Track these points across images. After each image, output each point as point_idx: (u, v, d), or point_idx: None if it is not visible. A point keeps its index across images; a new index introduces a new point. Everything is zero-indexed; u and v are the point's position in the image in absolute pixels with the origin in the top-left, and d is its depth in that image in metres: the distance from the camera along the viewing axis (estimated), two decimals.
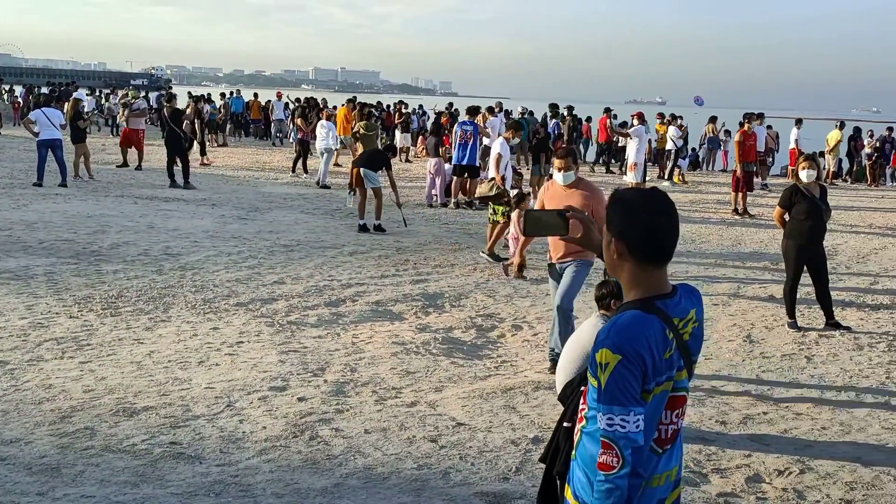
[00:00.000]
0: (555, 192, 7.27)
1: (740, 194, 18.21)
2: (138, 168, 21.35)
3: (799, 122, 27.29)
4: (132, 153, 21.87)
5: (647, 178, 20.55)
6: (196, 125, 24.05)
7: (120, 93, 36.48)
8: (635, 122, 21.58)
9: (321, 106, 30.80)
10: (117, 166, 21.64)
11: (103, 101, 38.44)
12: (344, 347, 7.91)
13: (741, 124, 19.90)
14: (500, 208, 12.31)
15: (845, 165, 28.80)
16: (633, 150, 19.88)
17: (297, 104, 29.83)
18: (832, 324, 9.33)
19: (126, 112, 22.67)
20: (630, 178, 19.70)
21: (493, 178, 12.34)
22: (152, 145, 24.76)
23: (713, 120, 29.49)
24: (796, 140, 26.19)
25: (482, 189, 12.53)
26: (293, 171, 21.97)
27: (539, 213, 3.14)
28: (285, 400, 6.49)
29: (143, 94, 44.57)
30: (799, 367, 8.00)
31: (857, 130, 28.39)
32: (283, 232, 13.72)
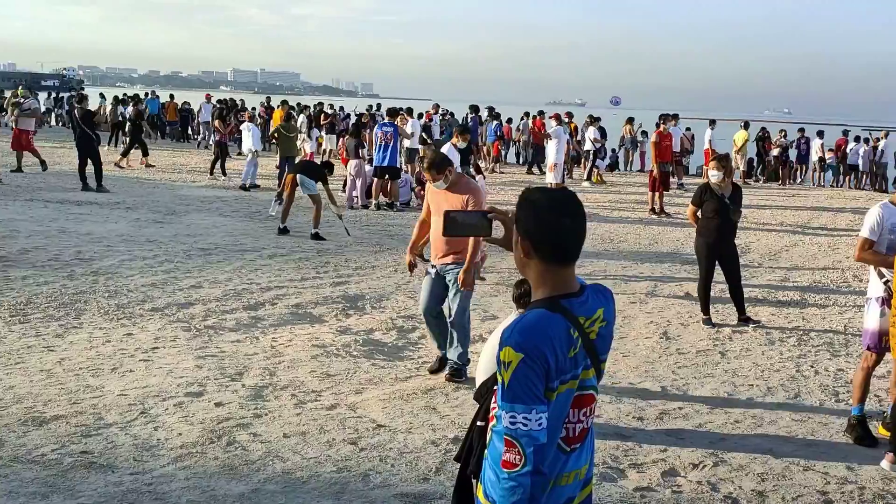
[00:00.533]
0: (434, 192, 7.20)
1: (657, 194, 18.52)
2: (44, 169, 20.40)
3: (713, 123, 27.87)
4: (28, 157, 20.87)
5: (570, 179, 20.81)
6: (143, 125, 23.62)
7: (9, 92, 35.09)
8: (554, 123, 21.83)
9: (240, 107, 30.48)
10: (11, 171, 20.03)
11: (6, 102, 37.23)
12: (263, 351, 7.81)
13: (657, 125, 20.26)
14: None
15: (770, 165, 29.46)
16: (553, 150, 20.11)
17: (215, 106, 29.48)
18: (744, 319, 9.56)
19: (16, 112, 21.17)
20: (550, 179, 19.93)
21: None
22: (63, 147, 24.11)
23: (630, 121, 29.97)
24: (710, 141, 26.75)
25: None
26: (211, 173, 21.63)
27: (458, 214, 3.08)
28: (202, 405, 6.38)
29: (54, 94, 43.41)
30: (713, 363, 8.17)
31: (765, 130, 29.11)
32: (200, 235, 13.50)
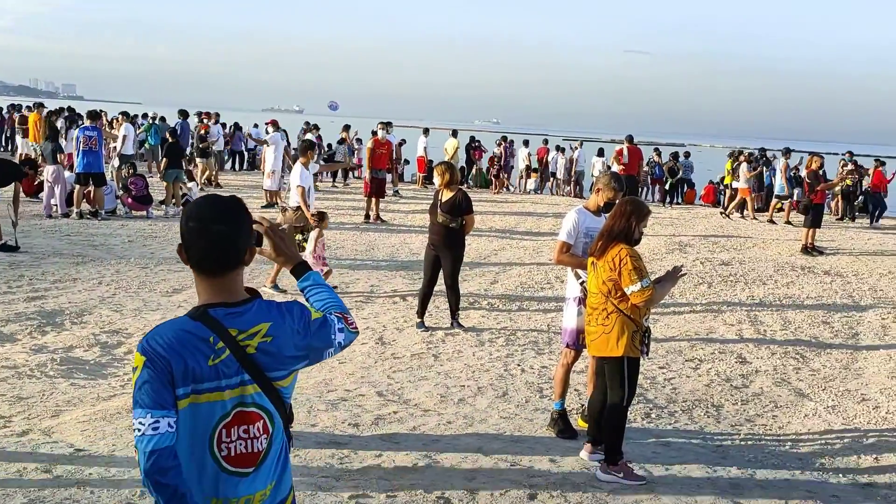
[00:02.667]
0: None
1: (373, 200, 18.75)
2: None
3: (426, 131, 28.76)
4: None
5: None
6: None
7: None
8: (270, 129, 21.56)
9: None
10: None
11: None
12: None
13: (374, 133, 20.54)
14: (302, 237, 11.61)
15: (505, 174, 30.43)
16: (271, 157, 19.87)
17: None
18: (457, 322, 9.84)
19: None
20: (268, 185, 19.71)
21: (298, 207, 11.52)
22: None
23: (346, 128, 30.24)
24: (424, 148, 27.58)
25: (287, 217, 11.66)
26: None
27: None
28: None
29: None
30: (427, 366, 8.34)
31: (473, 139, 30.40)
32: None
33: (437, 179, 9.80)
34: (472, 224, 9.74)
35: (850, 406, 7.90)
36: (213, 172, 23.13)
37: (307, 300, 2.89)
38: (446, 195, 9.62)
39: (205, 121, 24.95)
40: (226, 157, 28.87)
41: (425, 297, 9.82)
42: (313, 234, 11.12)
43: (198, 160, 22.73)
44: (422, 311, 9.83)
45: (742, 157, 24.04)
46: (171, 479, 2.40)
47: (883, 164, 25.02)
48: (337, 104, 39.30)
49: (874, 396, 8.19)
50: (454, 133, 27.01)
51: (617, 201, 6.40)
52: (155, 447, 2.38)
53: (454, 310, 9.89)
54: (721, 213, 23.64)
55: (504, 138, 29.62)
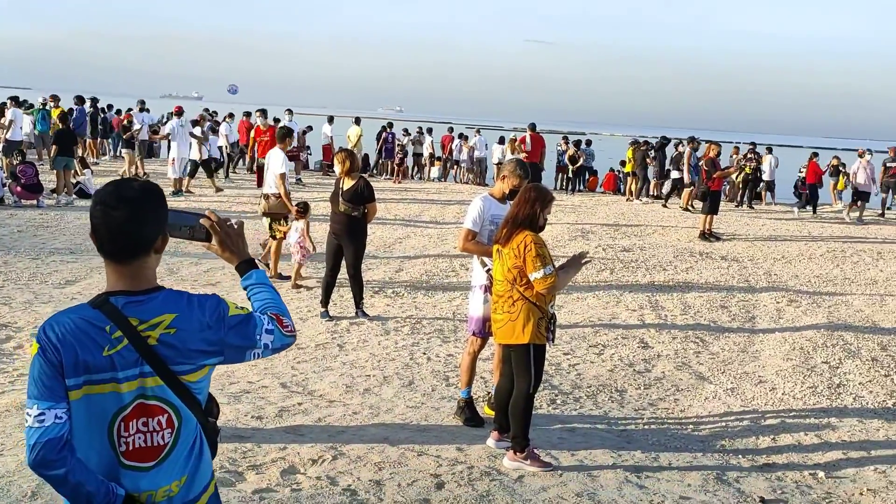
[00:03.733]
0: None
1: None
2: None
3: (331, 119, 28.43)
4: None
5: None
6: None
7: None
8: (175, 118, 21.03)
9: None
10: None
11: None
12: None
13: (276, 120, 20.20)
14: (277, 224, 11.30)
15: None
16: (174, 145, 19.51)
17: None
18: (362, 311, 9.73)
19: None
20: (170, 174, 19.32)
21: (279, 195, 11.11)
22: None
23: (247, 115, 29.68)
24: (330, 136, 27.28)
25: (271, 204, 11.21)
26: None
27: (171, 214, 2.69)
28: None
29: None
30: (332, 356, 8.22)
31: (384, 128, 30.21)
32: None
33: (337, 168, 9.66)
34: (375, 212, 9.66)
35: (748, 388, 8.10)
36: (138, 162, 22.58)
37: (248, 299, 2.81)
38: (348, 183, 9.49)
39: (58, 104, 24.65)
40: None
41: (328, 286, 9.70)
42: (299, 225, 10.99)
43: (123, 151, 22.49)
44: (325, 301, 9.70)
45: (683, 149, 23.92)
46: (57, 471, 2.34)
47: (816, 155, 25.68)
48: (236, 87, 38.30)
49: (771, 378, 8.41)
50: (357, 120, 26.76)
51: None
52: (38, 439, 2.33)
53: (358, 299, 9.78)
54: (682, 207, 23.29)
55: (389, 125, 29.46)
